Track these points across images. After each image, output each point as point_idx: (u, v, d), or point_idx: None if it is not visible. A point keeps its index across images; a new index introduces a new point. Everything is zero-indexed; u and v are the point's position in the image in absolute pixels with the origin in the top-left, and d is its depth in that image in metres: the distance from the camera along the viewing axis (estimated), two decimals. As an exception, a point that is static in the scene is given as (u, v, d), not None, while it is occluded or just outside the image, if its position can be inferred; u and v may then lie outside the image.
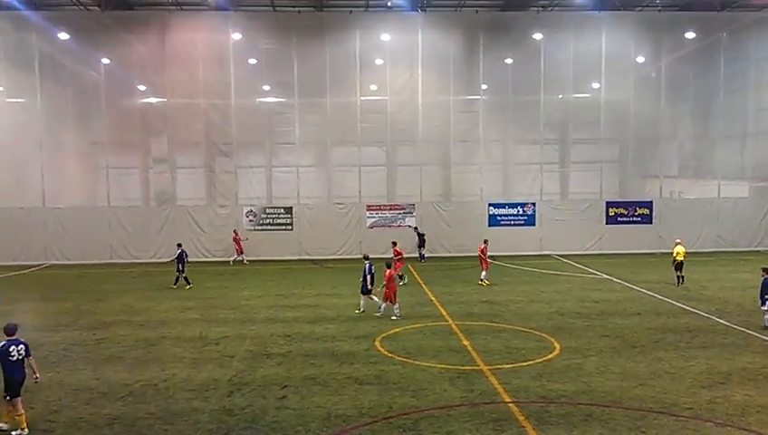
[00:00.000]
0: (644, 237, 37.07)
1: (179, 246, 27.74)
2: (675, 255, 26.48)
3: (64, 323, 20.58)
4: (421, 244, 34.92)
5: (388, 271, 20.85)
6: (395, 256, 25.83)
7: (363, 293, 21.50)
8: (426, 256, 34.77)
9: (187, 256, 27.58)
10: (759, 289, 19.04)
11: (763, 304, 18.74)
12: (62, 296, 25.41)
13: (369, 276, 21.23)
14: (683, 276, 26.26)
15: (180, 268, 26.97)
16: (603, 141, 38.55)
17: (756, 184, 38.75)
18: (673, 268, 26.55)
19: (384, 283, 20.87)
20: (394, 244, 27.27)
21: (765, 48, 38.19)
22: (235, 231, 34.39)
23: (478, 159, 38.07)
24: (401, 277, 25.84)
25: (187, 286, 26.58)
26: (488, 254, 27.70)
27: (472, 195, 38.18)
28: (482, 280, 26.95)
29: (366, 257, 21.96)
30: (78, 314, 22.00)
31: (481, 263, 27.35)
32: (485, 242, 27.99)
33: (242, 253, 33.99)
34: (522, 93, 37.88)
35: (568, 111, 38.42)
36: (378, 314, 20.89)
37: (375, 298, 21.33)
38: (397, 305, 20.76)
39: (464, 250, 35.52)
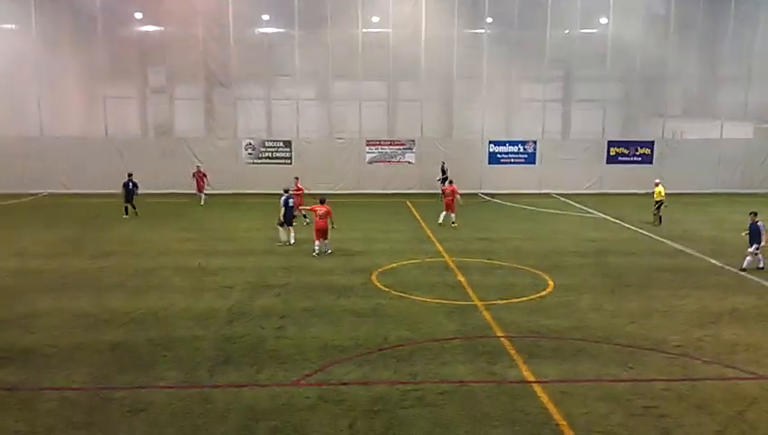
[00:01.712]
0: (644, 177, 36.97)
1: (129, 175, 27.77)
2: (655, 195, 26.65)
3: (63, 252, 20.75)
4: (444, 180, 34.55)
5: (323, 206, 20.25)
6: (296, 191, 25.20)
7: (280, 225, 22.12)
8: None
9: (135, 186, 27.65)
10: (748, 232, 19.07)
11: (751, 246, 18.84)
12: (61, 225, 25.54)
13: (283, 209, 21.87)
14: (661, 216, 26.43)
15: (127, 198, 27.25)
16: (608, 79, 37.99)
17: (760, 126, 38.43)
18: (653, 208, 26.71)
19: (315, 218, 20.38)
20: (296, 178, 26.80)
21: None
22: (198, 167, 32.38)
23: (481, 96, 37.57)
24: (304, 217, 24.94)
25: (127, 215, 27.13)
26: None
27: (473, 132, 37.86)
28: (453, 223, 25.52)
29: (285, 190, 22.49)
30: (77, 243, 22.16)
31: (448, 206, 25.71)
32: (452, 182, 26.59)
33: (201, 191, 31.68)
34: (527, 28, 37.02)
35: (573, 48, 37.65)
36: (281, 244, 21.81)
37: (281, 230, 22.04)
38: (317, 243, 20.26)
39: (463, 187, 35.45)
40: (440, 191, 31.90)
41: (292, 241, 21.88)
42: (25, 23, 34.86)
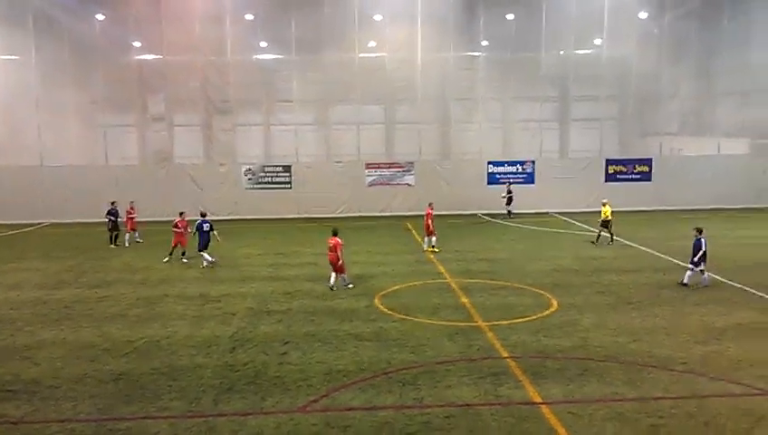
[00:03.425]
0: (643, 195, 37.12)
1: (112, 204, 27.85)
2: (602, 214, 26.30)
3: (66, 281, 20.75)
4: (509, 201, 34.91)
5: (333, 239, 18.98)
6: (129, 213, 27.14)
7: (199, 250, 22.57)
8: (513, 212, 34.71)
9: (115, 214, 27.57)
10: (691, 248, 19.01)
11: (693, 262, 18.78)
12: (63, 255, 25.55)
13: (197, 233, 22.44)
14: (612, 234, 26.32)
15: (109, 226, 27.32)
16: (604, 99, 38.28)
17: (757, 141, 38.60)
18: (599, 226, 26.50)
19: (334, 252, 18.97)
20: (131, 202, 27.97)
21: (770, 2, 37.67)
22: (131, 204, 28.65)
23: (477, 117, 37.83)
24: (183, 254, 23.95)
25: (113, 245, 27.19)
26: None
27: (471, 153, 38.07)
28: (433, 247, 25.08)
29: (202, 215, 23.10)
30: (79, 273, 22.16)
31: (427, 229, 25.18)
32: (431, 206, 25.59)
33: (133, 229, 28.34)
34: (522, 50, 37.44)
35: (569, 68, 38.03)
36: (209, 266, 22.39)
37: (205, 256, 22.56)
38: (332, 277, 19.15)
39: (463, 208, 35.64)
40: (505, 212, 33.85)
41: (205, 263, 22.48)
42: (26, 54, 35.25)
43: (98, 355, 13.62)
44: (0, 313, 17.04)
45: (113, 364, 13.05)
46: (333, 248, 18.86)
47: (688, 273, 18.95)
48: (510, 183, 36.00)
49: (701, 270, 18.85)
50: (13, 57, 36.32)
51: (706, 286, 18.73)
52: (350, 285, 19.22)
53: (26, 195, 34.76)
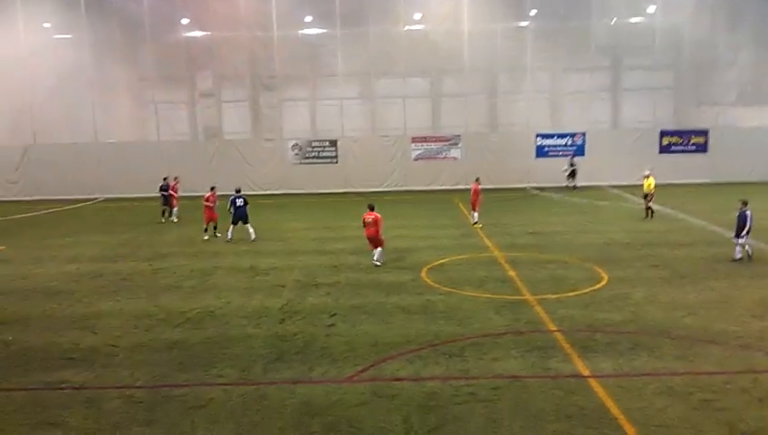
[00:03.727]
0: (698, 167, 35.99)
1: (164, 179, 27.90)
2: (644, 187, 25.27)
3: (122, 254, 21.42)
4: (572, 174, 34.85)
5: (371, 213, 18.58)
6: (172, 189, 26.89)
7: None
8: (577, 185, 34.65)
9: (166, 189, 27.65)
10: (735, 221, 18.23)
11: (738, 235, 18.06)
12: (118, 229, 26.38)
13: (232, 208, 22.60)
14: (650, 208, 25.25)
15: (162, 201, 27.58)
16: (657, 68, 37.14)
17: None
18: (645, 200, 25.45)
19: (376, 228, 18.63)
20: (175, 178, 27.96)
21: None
22: (176, 179, 28.44)
23: (525, 88, 37.17)
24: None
25: (169, 219, 27.49)
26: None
27: (519, 125, 37.52)
28: (476, 222, 24.70)
29: (237, 190, 23.13)
30: (134, 246, 22.85)
31: (473, 204, 24.81)
32: (477, 181, 25.29)
33: (174, 206, 27.82)
34: (572, 18, 36.49)
35: (620, 37, 36.95)
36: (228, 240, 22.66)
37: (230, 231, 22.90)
38: (375, 252, 18.92)
39: (510, 181, 35.24)
40: (567, 185, 33.47)
41: (229, 237, 22.85)
42: (78, 33, 36.13)
43: (153, 325, 14.06)
44: (59, 285, 17.70)
45: (168, 334, 13.45)
46: (374, 223, 18.45)
47: (737, 248, 18.32)
48: (574, 155, 35.33)
49: (743, 243, 18.12)
50: (66, 36, 37.29)
51: (750, 258, 18.09)
52: (380, 262, 18.63)
53: (81, 171, 35.97)
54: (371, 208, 18.86)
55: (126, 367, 11.72)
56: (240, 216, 22.80)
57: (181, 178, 29.07)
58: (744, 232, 18.01)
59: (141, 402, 10.32)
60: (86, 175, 36.02)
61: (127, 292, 16.77)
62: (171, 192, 27.80)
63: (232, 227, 22.94)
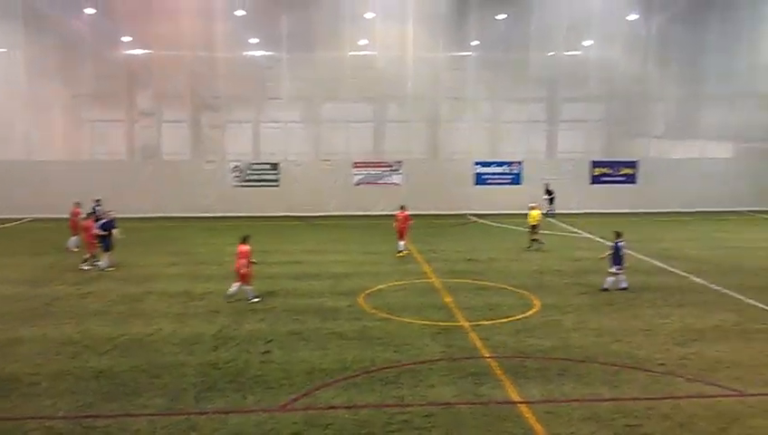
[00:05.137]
0: (627, 197, 37.39)
1: (96, 201, 24.79)
2: (529, 218, 25.61)
3: (48, 278, 20.61)
4: (550, 200, 35.05)
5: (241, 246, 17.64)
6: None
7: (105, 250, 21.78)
8: (554, 211, 34.80)
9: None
10: (611, 253, 18.79)
11: (613, 266, 18.64)
12: (46, 251, 25.37)
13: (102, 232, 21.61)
14: (537, 240, 25.53)
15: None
16: (591, 100, 38.56)
17: (742, 145, 38.99)
18: (528, 231, 25.79)
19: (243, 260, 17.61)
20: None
21: (759, 7, 38.05)
22: (76, 204, 25.41)
23: (466, 117, 37.97)
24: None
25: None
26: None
27: (459, 153, 38.22)
28: (400, 251, 24.11)
29: (97, 201, 23.25)
30: (61, 269, 22.02)
31: (400, 232, 24.28)
32: (403, 208, 24.81)
33: (75, 234, 24.74)
34: (512, 50, 37.59)
35: (558, 69, 38.24)
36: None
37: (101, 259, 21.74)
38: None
39: (450, 208, 35.75)
40: (545, 212, 32.01)
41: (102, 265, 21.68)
42: (13, 47, 34.98)
43: (78, 352, 13.56)
44: (-19, 308, 16.92)
45: (94, 361, 13.01)
46: (241, 256, 17.36)
47: (609, 278, 18.64)
48: (548, 182, 35.73)
49: (616, 272, 18.64)
50: (0, 50, 36.02)
51: (624, 288, 18.57)
52: (256, 299, 17.45)
53: (11, 189, 34.48)
54: (243, 241, 17.75)
55: (48, 396, 11.27)
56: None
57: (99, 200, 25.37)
58: (622, 264, 18.53)
59: (61, 434, 9.91)
60: (16, 193, 34.57)
61: (51, 317, 16.15)
62: (73, 218, 24.87)
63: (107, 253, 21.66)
